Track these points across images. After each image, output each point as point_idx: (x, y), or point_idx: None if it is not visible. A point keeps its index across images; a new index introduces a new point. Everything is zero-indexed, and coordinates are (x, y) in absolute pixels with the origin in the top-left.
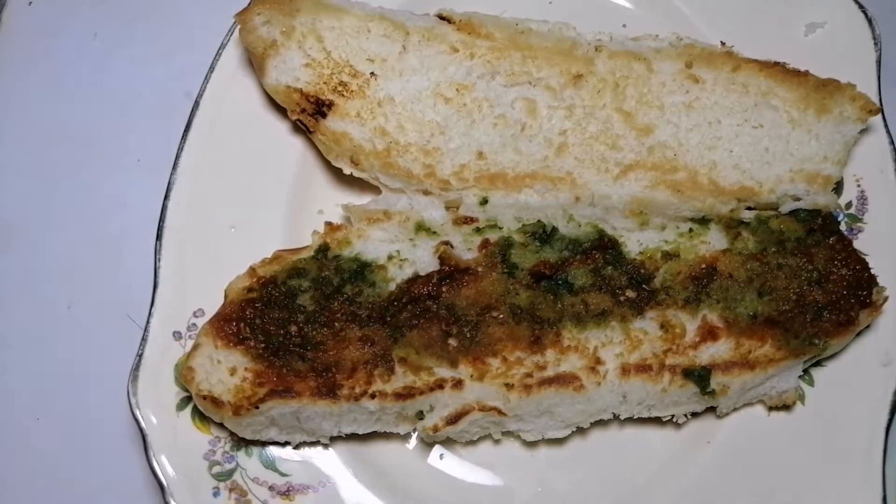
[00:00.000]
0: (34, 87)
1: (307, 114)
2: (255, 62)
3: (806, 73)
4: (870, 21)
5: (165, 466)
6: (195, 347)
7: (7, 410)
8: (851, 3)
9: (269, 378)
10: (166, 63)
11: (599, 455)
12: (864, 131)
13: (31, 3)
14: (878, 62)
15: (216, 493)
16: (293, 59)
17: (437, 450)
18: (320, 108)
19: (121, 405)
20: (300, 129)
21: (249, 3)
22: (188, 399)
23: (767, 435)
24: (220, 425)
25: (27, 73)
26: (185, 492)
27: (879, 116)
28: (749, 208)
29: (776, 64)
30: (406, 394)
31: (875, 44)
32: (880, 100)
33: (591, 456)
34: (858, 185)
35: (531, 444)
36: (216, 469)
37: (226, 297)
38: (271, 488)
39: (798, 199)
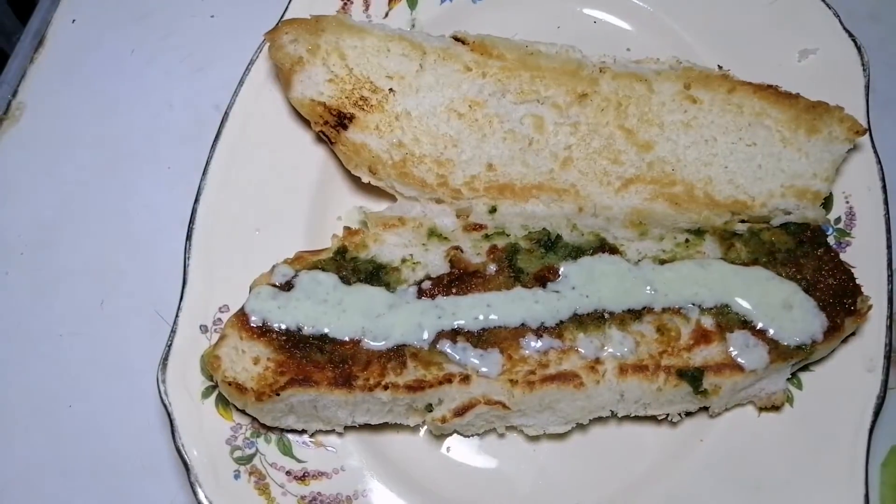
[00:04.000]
0: (75, 98)
1: (329, 126)
2: (281, 77)
3: (797, 96)
4: (859, 49)
5: (191, 450)
6: (222, 338)
7: (42, 398)
8: (842, 31)
9: (290, 368)
10: (198, 77)
11: (598, 450)
12: (854, 151)
13: (74, 20)
14: (867, 87)
15: (237, 476)
16: (317, 75)
17: (445, 442)
18: (342, 120)
19: (149, 394)
20: (322, 140)
21: (278, 23)
22: (213, 388)
23: (757, 434)
24: (242, 413)
25: (69, 86)
26: (208, 474)
27: (868, 138)
28: (742, 221)
29: (769, 87)
30: (417, 386)
31: (864, 70)
32: (868, 122)
33: (590, 451)
34: (847, 202)
35: (533, 439)
36: (237, 454)
37: (251, 291)
38: (288, 473)
39: (788, 213)
